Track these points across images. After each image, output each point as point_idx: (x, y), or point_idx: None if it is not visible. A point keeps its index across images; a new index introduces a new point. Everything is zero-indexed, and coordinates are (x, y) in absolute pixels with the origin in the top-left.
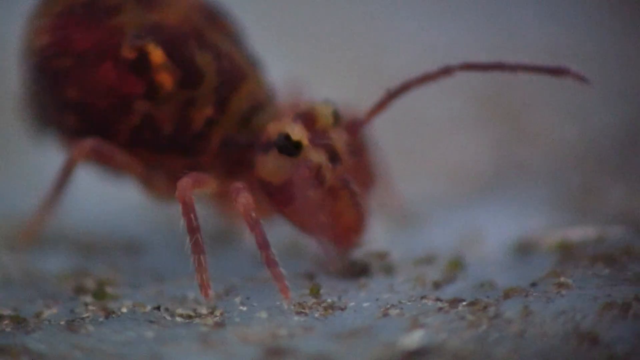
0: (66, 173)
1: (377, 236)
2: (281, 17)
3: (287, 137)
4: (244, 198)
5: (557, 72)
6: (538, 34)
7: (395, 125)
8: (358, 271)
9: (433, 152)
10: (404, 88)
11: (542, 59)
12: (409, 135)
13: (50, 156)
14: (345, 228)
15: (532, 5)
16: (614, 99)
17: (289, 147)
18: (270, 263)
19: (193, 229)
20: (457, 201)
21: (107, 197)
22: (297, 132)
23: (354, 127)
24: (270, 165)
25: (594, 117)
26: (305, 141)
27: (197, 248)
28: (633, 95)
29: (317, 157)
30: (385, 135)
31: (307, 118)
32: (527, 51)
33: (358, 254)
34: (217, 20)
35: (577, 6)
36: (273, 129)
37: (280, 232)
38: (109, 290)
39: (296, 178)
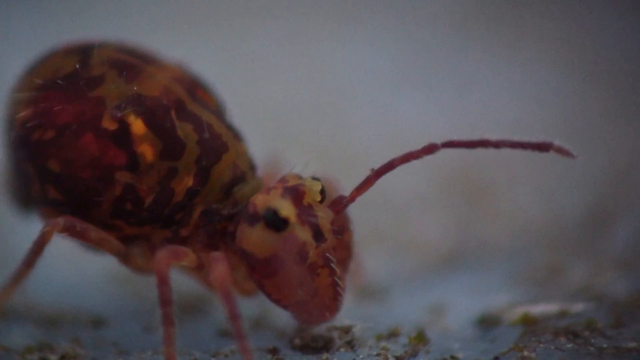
0: (37, 250)
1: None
2: (252, 93)
3: (275, 212)
4: (220, 269)
5: (540, 147)
6: (507, 110)
7: (361, 201)
8: (321, 346)
9: (398, 229)
10: (389, 167)
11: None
12: (374, 212)
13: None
14: (321, 304)
15: (501, 82)
16: (579, 177)
17: (277, 223)
18: (240, 335)
19: (166, 302)
20: (421, 277)
21: (71, 271)
22: (286, 208)
23: (339, 205)
24: (255, 238)
25: (559, 196)
26: (293, 218)
27: (168, 321)
28: (599, 174)
29: (303, 234)
30: (351, 211)
31: (296, 193)
32: (496, 127)
33: (321, 328)
34: (197, 92)
35: (544, 83)
36: (261, 202)
37: (245, 305)
38: None
39: (280, 253)
